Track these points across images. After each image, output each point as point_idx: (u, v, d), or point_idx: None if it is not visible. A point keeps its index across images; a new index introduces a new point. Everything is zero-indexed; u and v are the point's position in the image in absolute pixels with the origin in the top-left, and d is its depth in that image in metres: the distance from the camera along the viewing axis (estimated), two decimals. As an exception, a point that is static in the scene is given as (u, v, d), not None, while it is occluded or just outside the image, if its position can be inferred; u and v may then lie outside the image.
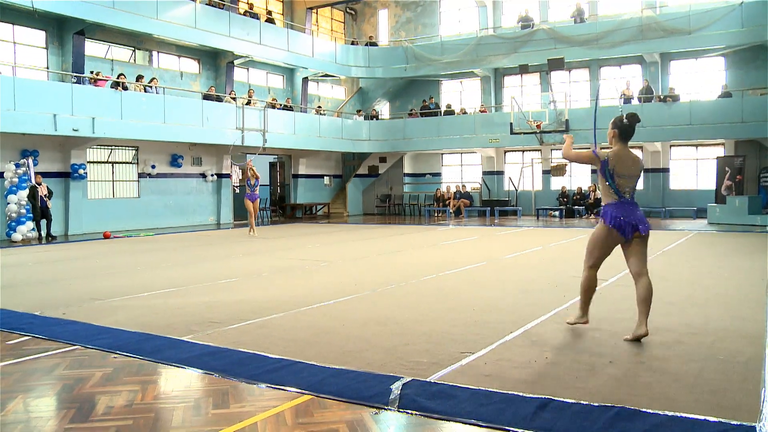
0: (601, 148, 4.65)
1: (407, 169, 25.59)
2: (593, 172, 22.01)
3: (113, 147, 16.93)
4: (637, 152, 21.30)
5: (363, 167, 25.78)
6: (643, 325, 4.44)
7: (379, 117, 26.10)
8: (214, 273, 8.45)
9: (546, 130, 20.36)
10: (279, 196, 24.82)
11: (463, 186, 23.30)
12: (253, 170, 14.44)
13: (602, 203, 4.60)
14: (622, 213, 4.47)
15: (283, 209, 23.91)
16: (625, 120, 4.48)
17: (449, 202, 22.75)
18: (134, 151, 17.53)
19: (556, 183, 22.53)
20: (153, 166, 17.82)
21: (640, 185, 20.79)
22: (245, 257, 10.36)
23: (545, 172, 22.78)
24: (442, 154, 25.28)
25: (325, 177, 25.42)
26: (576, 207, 20.72)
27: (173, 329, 5.09)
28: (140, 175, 17.64)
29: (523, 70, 21.57)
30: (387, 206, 24.83)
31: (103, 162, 16.83)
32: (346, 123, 23.27)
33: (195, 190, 19.45)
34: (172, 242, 13.46)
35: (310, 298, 6.44)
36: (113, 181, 17.05)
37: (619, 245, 4.59)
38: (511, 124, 20.59)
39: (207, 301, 6.31)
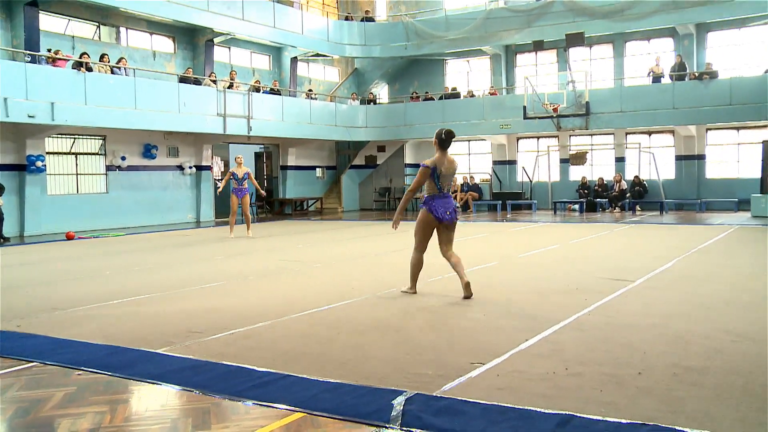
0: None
1: (409, 159, 25.58)
2: (618, 160, 21.99)
3: (76, 136, 16.86)
4: (667, 136, 21.28)
5: (359, 157, 25.77)
6: (465, 283, 6.50)
7: (377, 101, 26.08)
8: (194, 277, 8.42)
9: (564, 114, 20.34)
10: (266, 190, 24.81)
11: (471, 177, 23.30)
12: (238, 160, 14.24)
13: (425, 194, 6.63)
14: (442, 204, 6.61)
15: (271, 205, 23.90)
16: (443, 135, 6.55)
17: (456, 195, 22.73)
18: (101, 141, 17.48)
19: (576, 173, 22.53)
20: (123, 158, 17.78)
21: (671, 174, 20.91)
22: (229, 259, 10.34)
23: (563, 161, 22.78)
24: (448, 141, 25.21)
25: (317, 169, 25.41)
26: (598, 199, 20.71)
27: (147, 341, 5.07)
28: (108, 168, 17.61)
29: (538, 46, 21.53)
30: (386, 200, 24.83)
31: (64, 153, 16.77)
32: (341, 108, 23.24)
33: (171, 185, 19.43)
34: (145, 243, 13.43)
35: (302, 303, 6.41)
36: (77, 174, 17.00)
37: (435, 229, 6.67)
38: (524, 107, 20.56)
39: (186, 309, 6.29)
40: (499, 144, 23.74)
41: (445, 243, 6.72)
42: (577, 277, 7.67)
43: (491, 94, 22.67)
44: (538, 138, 23.30)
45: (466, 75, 25.56)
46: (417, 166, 26.35)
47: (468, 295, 6.50)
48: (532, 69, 23.61)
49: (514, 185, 23.49)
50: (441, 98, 23.50)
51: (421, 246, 6.77)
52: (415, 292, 6.88)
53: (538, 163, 22.86)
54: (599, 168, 22.36)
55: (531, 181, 22.77)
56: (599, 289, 6.88)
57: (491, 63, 24.55)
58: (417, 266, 6.84)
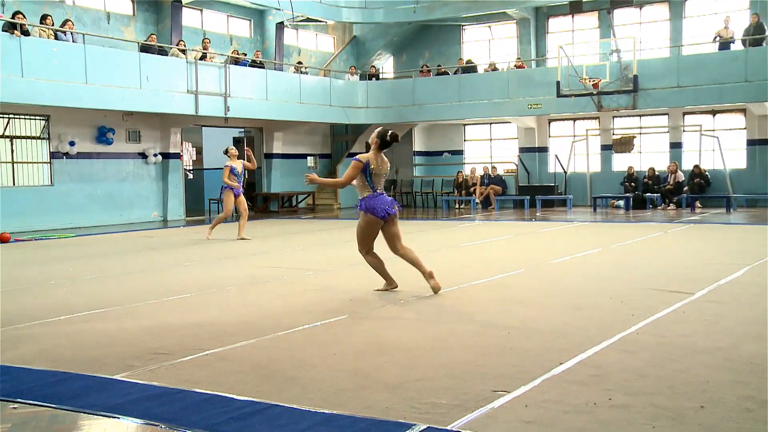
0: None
1: (418, 146, 25.62)
2: (673, 146, 21.95)
3: (11, 116, 16.86)
4: (737, 117, 21.21)
5: (359, 144, 25.75)
6: (428, 274, 7.53)
7: (381, 76, 26.08)
8: (160, 287, 8.44)
9: (606, 91, 20.32)
10: (247, 183, 24.79)
11: (494, 168, 23.31)
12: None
13: (359, 197, 7.56)
14: (379, 203, 7.51)
15: (253, 201, 23.92)
16: (388, 137, 7.62)
17: (474, 190, 22.76)
18: (43, 122, 17.52)
19: (621, 162, 22.52)
20: (71, 143, 17.82)
21: (741, 163, 20.81)
22: (202, 266, 10.36)
23: (605, 148, 22.77)
24: (465, 125, 25.30)
25: (308, 157, 25.44)
26: (648, 194, 20.70)
27: (102, 365, 5.07)
28: (53, 155, 17.66)
29: (576, 9, 21.53)
30: (392, 196, 24.79)
31: (-4, 137, 16.81)
32: (337, 84, 23.27)
33: (132, 176, 19.47)
34: (100, 246, 13.46)
35: (291, 319, 6.42)
36: (13, 162, 17.04)
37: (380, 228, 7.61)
38: (558, 83, 20.55)
39: (150, 326, 6.30)
40: (527, 128, 23.74)
41: (393, 240, 7.65)
42: (623, 289, 7.66)
43: (518, 67, 22.66)
44: (574, 120, 23.30)
45: (488, 44, 25.56)
46: (429, 154, 26.61)
47: (436, 289, 7.47)
48: (568, 36, 23.59)
49: (545, 177, 23.48)
50: (457, 72, 23.49)
51: (369, 248, 7.79)
52: (396, 287, 7.77)
53: (574, 150, 22.84)
54: (649, 156, 22.35)
55: (565, 173, 22.76)
56: (649, 303, 6.87)
57: (518, 29, 24.54)
58: (379, 265, 7.81)
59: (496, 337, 5.61)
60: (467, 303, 7.05)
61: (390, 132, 7.67)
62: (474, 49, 25.58)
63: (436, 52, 25.99)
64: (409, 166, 25.41)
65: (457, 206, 23.22)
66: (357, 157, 7.52)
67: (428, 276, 7.48)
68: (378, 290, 7.77)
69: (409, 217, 20.17)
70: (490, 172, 23.11)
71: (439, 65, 24.38)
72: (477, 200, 22.54)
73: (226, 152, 14.29)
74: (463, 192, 23.10)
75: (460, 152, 25.55)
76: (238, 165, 14.02)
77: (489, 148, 25.08)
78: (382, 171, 7.60)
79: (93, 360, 5.19)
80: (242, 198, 14.21)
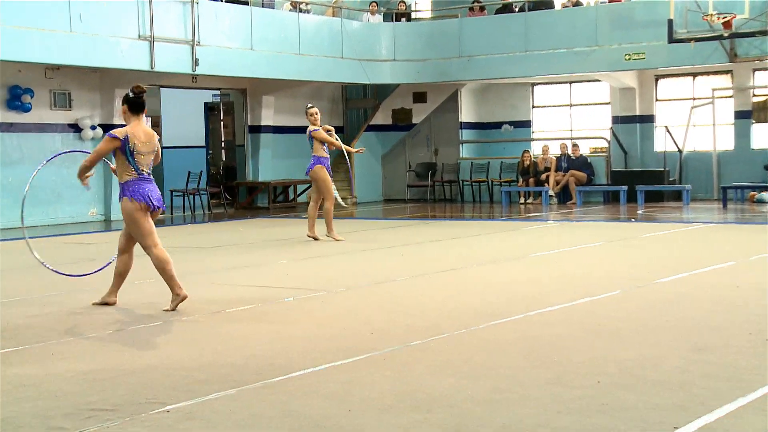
0: None
1: (466, 116, 25.52)
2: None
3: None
4: None
5: (382, 113, 25.74)
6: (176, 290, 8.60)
7: (413, 15, 25.99)
8: (102, 316, 8.47)
9: (743, 32, 20.10)
10: (224, 168, 24.94)
11: (575, 146, 23.20)
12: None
13: (120, 181, 8.54)
14: (151, 189, 8.58)
15: (232, 192, 24.00)
16: (131, 93, 8.39)
17: (548, 177, 22.62)
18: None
19: (764, 136, 22.27)
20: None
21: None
22: (159, 285, 10.39)
23: (741, 115, 22.51)
24: (534, 84, 25.16)
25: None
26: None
27: (18, 428, 5.08)
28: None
29: None
30: (429, 186, 24.80)
31: None
32: (351, 28, 23.29)
33: (60, 157, 19.48)
34: (14, 257, 13.55)
35: (285, 360, 6.41)
36: None
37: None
38: (669, 22, 20.39)
39: (87, 370, 6.30)
40: (624, 88, 23.55)
41: (152, 234, 8.66)
42: (763, 320, 7.56)
43: (611, 0, 22.50)
44: (693, 76, 23.08)
45: (568, -33, 25.43)
46: (482, 127, 26.45)
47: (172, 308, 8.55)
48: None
49: (650, 159, 23.31)
50: (523, 9, 23.35)
51: (152, 238, 8.64)
52: (185, 296, 8.61)
53: (693, 119, 22.63)
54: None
55: (680, 152, 22.57)
56: (804, 339, 6.77)
57: (612, -55, 24.37)
58: (166, 264, 8.60)
59: (581, 388, 5.55)
60: (538, 338, 6.99)
61: (133, 87, 8.55)
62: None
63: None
64: (454, 144, 25.31)
65: (522, 200, 23.11)
66: (112, 131, 8.57)
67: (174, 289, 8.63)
68: (169, 308, 8.56)
69: (454, 216, 20.10)
70: (570, 152, 22.97)
71: (497, -2, 24.30)
72: (551, 192, 22.41)
73: (306, 114, 14.51)
74: (531, 180, 22.98)
75: (526, 124, 25.40)
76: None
77: (569, 118, 24.91)
78: (148, 148, 8.54)
79: (2, 421, 5.18)
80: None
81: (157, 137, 8.75)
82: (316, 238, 14.45)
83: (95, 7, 17.81)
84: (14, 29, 16.46)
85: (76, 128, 19.83)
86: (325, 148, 14.59)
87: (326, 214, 14.69)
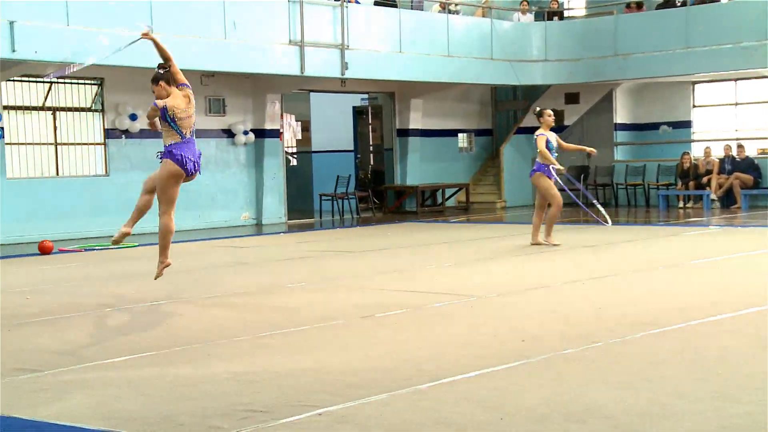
0: None
1: (622, 117, 25.13)
2: None
3: (54, 79, 17.65)
4: None
5: (533, 115, 25.52)
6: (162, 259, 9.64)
7: (565, 14, 25.71)
8: (253, 318, 8.62)
9: None
10: (372, 172, 25.14)
11: (740, 147, 22.58)
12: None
13: (164, 143, 9.30)
14: (190, 152, 9.34)
15: (380, 196, 24.17)
16: (161, 70, 9.54)
17: (709, 181, 22.10)
18: (96, 88, 18.36)
19: None
20: (133, 117, 18.58)
21: None
22: (309, 290, 10.55)
23: None
24: (695, 83, 24.57)
25: (459, 134, 25.44)
26: None
27: (175, 425, 5.17)
28: (109, 134, 18.48)
29: None
30: (582, 189, 24.51)
31: (34, 108, 17.66)
32: (501, 28, 23.19)
33: (214, 162, 20.05)
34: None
35: (436, 365, 6.38)
36: (56, 144, 17.93)
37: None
38: None
39: (241, 372, 6.42)
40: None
41: (168, 202, 9.50)
42: None
43: (783, -11, 21.80)
44: None
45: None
46: (638, 128, 26.00)
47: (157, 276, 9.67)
48: None
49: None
50: (685, 3, 22.82)
51: (170, 207, 9.48)
52: (169, 263, 9.65)
53: None
54: None
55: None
56: None
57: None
58: (169, 233, 9.54)
59: (748, 403, 5.33)
60: (700, 349, 6.78)
61: (158, 65, 9.67)
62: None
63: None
64: (608, 145, 24.91)
65: (681, 205, 22.62)
66: (155, 102, 9.33)
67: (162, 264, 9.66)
68: (158, 273, 9.67)
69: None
70: (734, 154, 22.39)
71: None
72: (713, 196, 21.87)
73: (539, 115, 14.42)
74: (691, 184, 22.48)
75: (686, 125, 24.81)
76: (552, 137, 14.22)
77: (733, 118, 24.22)
78: (187, 114, 9.32)
79: (163, 418, 5.30)
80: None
81: (192, 101, 9.54)
82: (539, 244, 14.13)
83: (248, 15, 18.18)
84: (172, 37, 16.76)
85: (229, 133, 20.26)
86: (550, 153, 14.05)
87: (549, 219, 14.33)
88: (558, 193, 14.09)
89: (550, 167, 13.95)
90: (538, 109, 14.55)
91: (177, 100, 9.30)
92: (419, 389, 5.83)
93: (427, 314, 8.69)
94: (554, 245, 14.02)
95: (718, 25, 21.69)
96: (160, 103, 9.21)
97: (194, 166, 9.38)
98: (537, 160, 14.15)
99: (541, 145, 14.01)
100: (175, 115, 9.22)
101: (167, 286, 10.82)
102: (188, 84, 9.66)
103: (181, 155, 9.24)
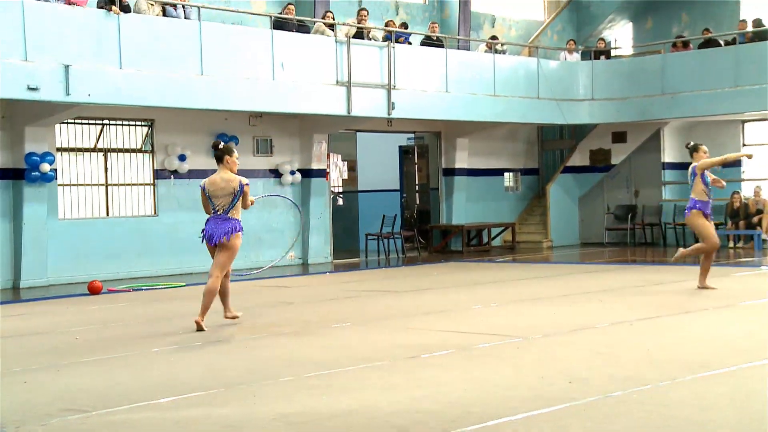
0: None
1: (670, 156, 24.99)
2: None
3: (106, 121, 17.94)
4: None
5: (580, 154, 25.51)
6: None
7: (613, 53, 25.68)
8: (299, 358, 8.66)
9: None
10: (418, 211, 25.17)
11: (794, 189, 22.36)
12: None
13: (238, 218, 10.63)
14: (211, 228, 10.49)
15: (426, 235, 24.18)
16: (212, 147, 10.83)
17: (760, 220, 21.90)
18: (146, 129, 18.58)
19: None
20: (182, 158, 18.77)
21: None
22: (356, 329, 10.58)
23: None
24: (745, 121, 24.41)
25: (505, 173, 25.42)
26: None
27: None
28: (158, 174, 18.67)
29: None
30: (629, 229, 24.36)
31: (86, 150, 17.88)
32: (548, 68, 23.23)
33: (261, 202, 20.13)
34: (218, 301, 13.98)
35: (485, 408, 6.39)
36: (107, 185, 18.15)
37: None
38: None
39: (287, 413, 6.44)
40: None
41: (221, 264, 10.56)
42: None
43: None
44: None
45: (781, -1, 24.61)
46: (685, 167, 25.66)
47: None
48: None
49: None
50: (734, 42, 22.74)
51: (212, 270, 10.59)
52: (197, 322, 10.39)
53: None
54: None
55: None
56: None
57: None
58: (209, 294, 10.55)
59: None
60: (753, 393, 6.69)
61: (215, 143, 10.91)
62: (760, 7, 24.63)
63: (700, 14, 25.28)
64: (656, 185, 24.77)
65: (731, 244, 22.43)
66: (201, 185, 10.77)
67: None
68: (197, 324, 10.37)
69: (656, 261, 19.66)
70: (786, 196, 22.23)
71: (705, 31, 23.67)
72: (764, 236, 21.66)
73: (694, 149, 13.69)
74: (742, 223, 22.30)
75: (736, 163, 24.59)
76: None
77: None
78: (222, 192, 10.46)
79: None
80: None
81: (240, 182, 10.47)
82: (706, 288, 13.31)
83: (296, 55, 18.27)
84: (221, 79, 17.00)
85: (276, 173, 20.37)
86: (706, 188, 13.34)
87: (702, 260, 13.63)
88: (714, 233, 13.42)
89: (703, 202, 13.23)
90: (692, 143, 13.98)
91: (216, 179, 10.54)
92: (465, 431, 5.83)
93: (472, 355, 8.67)
94: (710, 288, 13.30)
95: (766, 64, 21.57)
96: (202, 182, 10.76)
97: (215, 239, 10.41)
98: (692, 197, 13.42)
99: (698, 181, 13.31)
100: (210, 193, 10.51)
101: (208, 326, 10.90)
102: (246, 181, 10.61)
103: (206, 230, 10.55)
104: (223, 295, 10.80)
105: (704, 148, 13.55)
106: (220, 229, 10.42)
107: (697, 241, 13.85)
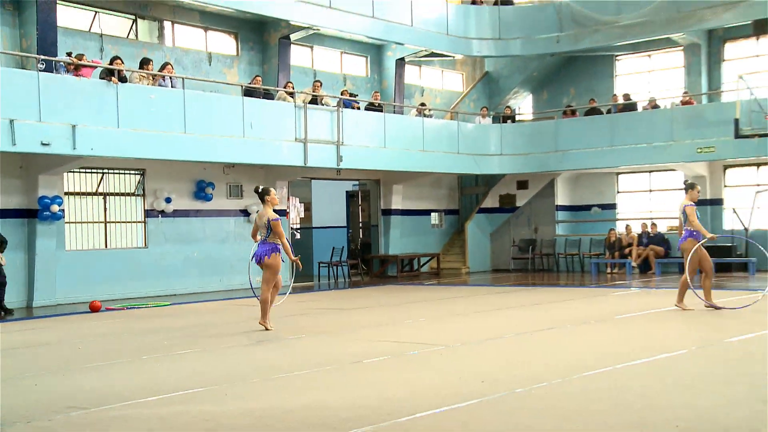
0: None
1: (561, 200, 25.30)
2: None
3: (106, 170, 17.84)
4: None
5: (491, 198, 25.74)
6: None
7: (517, 118, 26.06)
8: (264, 364, 8.63)
9: (798, 130, 19.50)
10: (361, 244, 25.22)
11: (654, 225, 22.72)
12: None
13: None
14: (257, 250, 11.36)
15: (368, 263, 24.21)
16: (256, 192, 11.56)
17: (630, 251, 22.22)
18: (138, 177, 18.45)
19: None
20: (168, 200, 18.66)
21: None
22: (309, 341, 10.54)
23: (798, 200, 21.75)
24: (619, 174, 24.83)
25: (432, 213, 25.56)
26: None
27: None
28: (148, 214, 18.51)
29: (760, 29, 20.88)
30: (529, 258, 24.60)
31: (89, 194, 17.76)
32: (466, 129, 23.45)
33: (233, 236, 20.10)
34: (198, 317, 13.92)
35: (413, 404, 6.41)
36: (106, 222, 17.96)
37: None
38: (736, 121, 19.90)
39: (254, 408, 6.44)
40: (697, 176, 23.00)
41: (264, 280, 11.44)
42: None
43: (684, 103, 22.13)
44: (757, 166, 22.42)
45: (647, 77, 25.14)
46: (575, 209, 26.25)
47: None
48: (751, 63, 22.85)
49: (720, 236, 22.58)
50: (609, 111, 23.20)
51: (265, 284, 11.51)
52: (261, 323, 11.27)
53: (757, 202, 21.94)
54: None
55: (746, 230, 21.86)
56: None
57: (685, 58, 24.05)
58: (263, 302, 11.42)
59: (665, 430, 5.41)
60: (624, 388, 6.82)
61: (256, 187, 11.66)
62: (630, 84, 25.17)
63: (584, 89, 25.76)
64: (551, 223, 25.07)
65: (608, 271, 22.69)
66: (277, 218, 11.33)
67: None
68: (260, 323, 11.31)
69: (551, 284, 19.85)
70: (649, 230, 22.51)
71: (591, 99, 24.09)
72: (633, 263, 21.97)
73: (691, 187, 12.95)
74: (616, 254, 22.58)
75: (612, 206, 25.01)
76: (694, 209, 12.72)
77: (648, 201, 24.44)
78: (259, 222, 11.28)
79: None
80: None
81: (267, 218, 11.12)
82: (684, 309, 12.52)
83: (262, 116, 18.26)
84: (201, 136, 16.93)
85: (245, 213, 20.31)
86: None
87: (706, 283, 12.66)
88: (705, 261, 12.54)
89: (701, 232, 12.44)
90: (689, 182, 13.30)
91: (259, 213, 11.42)
92: (399, 422, 5.88)
93: (404, 360, 8.70)
94: (686, 309, 12.50)
95: (635, 129, 22.09)
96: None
97: (258, 259, 11.26)
98: (686, 227, 12.68)
99: (694, 215, 12.58)
100: (257, 224, 11.42)
101: (189, 337, 10.81)
102: (274, 215, 11.24)
103: (255, 253, 11.39)
104: (264, 302, 11.34)
105: (698, 187, 12.98)
106: (260, 250, 11.20)
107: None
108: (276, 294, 11.65)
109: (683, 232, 12.83)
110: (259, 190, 11.39)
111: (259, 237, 11.38)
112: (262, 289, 11.38)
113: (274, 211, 11.42)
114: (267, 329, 11.17)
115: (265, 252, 11.17)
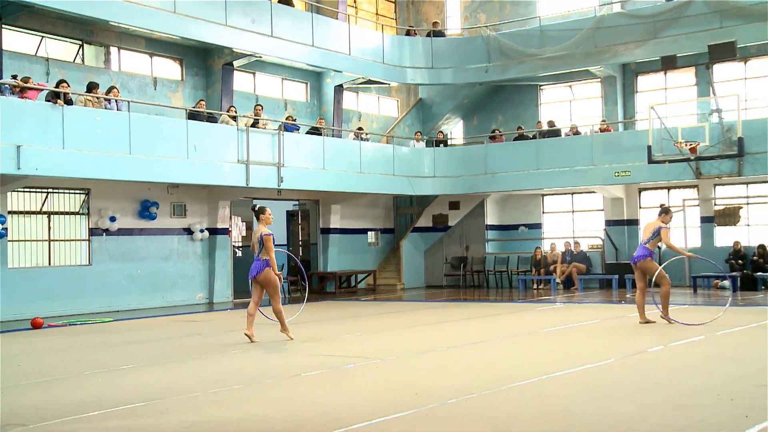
0: None
1: (491, 220, 25.51)
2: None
3: (50, 190, 17.44)
4: None
5: (425, 217, 25.84)
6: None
7: (449, 142, 26.27)
8: (205, 378, 8.49)
9: (706, 156, 20.02)
10: (301, 261, 25.04)
11: (576, 243, 23.04)
12: None
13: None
14: (252, 265, 11.29)
15: (307, 280, 24.05)
16: (252, 210, 11.64)
17: (555, 268, 22.49)
18: (83, 196, 18.07)
19: (725, 236, 21.97)
20: (112, 219, 18.29)
21: None
22: (250, 354, 10.41)
23: (706, 220, 22.28)
24: (544, 195, 25.16)
25: (368, 232, 25.55)
26: (759, 273, 20.09)
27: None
28: (92, 232, 18.12)
29: (669, 64, 21.41)
30: (461, 275, 24.72)
31: (33, 212, 17.33)
32: (400, 152, 23.53)
33: (176, 254, 19.82)
34: (140, 332, 13.64)
35: (348, 415, 6.35)
36: (50, 240, 17.52)
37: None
38: (649, 147, 20.37)
39: (193, 422, 6.31)
40: (614, 198, 23.47)
41: (270, 296, 11.42)
42: (731, 383, 7.35)
43: (602, 130, 22.57)
44: (668, 189, 22.94)
45: (569, 105, 25.57)
46: (503, 228, 26.56)
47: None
48: (660, 95, 23.45)
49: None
50: (534, 137, 23.53)
51: (252, 298, 11.49)
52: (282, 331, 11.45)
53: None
54: (759, 230, 21.78)
55: (659, 248, 22.32)
56: (763, 398, 6.57)
57: (603, 88, 24.54)
58: (275, 313, 11.52)
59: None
60: (549, 397, 6.87)
61: (251, 206, 11.87)
62: (553, 112, 25.58)
63: (511, 116, 26.09)
64: (481, 241, 25.26)
65: (535, 286, 22.91)
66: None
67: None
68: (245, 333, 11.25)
69: (481, 299, 19.97)
70: (572, 249, 22.82)
71: (519, 127, 24.39)
72: (558, 280, 22.22)
73: (666, 212, 12.61)
74: (542, 270, 22.81)
75: (537, 226, 25.32)
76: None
77: (571, 222, 24.79)
78: (253, 239, 11.32)
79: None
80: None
81: (260, 234, 11.16)
82: (648, 322, 12.57)
83: (206, 139, 18.06)
84: (145, 157, 16.68)
85: (189, 231, 20.04)
86: (656, 246, 12.60)
87: (665, 297, 12.62)
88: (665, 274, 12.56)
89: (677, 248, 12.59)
90: (665, 206, 13.02)
91: (254, 230, 11.41)
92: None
93: (341, 373, 8.66)
94: (671, 322, 12.46)
95: (559, 154, 22.42)
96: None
97: (253, 274, 11.24)
98: (645, 246, 12.49)
99: (670, 238, 12.58)
100: (252, 241, 11.46)
101: (131, 353, 10.58)
102: (267, 231, 11.28)
103: (251, 267, 11.37)
104: (278, 313, 11.42)
105: (672, 213, 12.82)
106: (253, 267, 11.27)
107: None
108: (257, 309, 11.54)
109: (640, 250, 12.65)
110: (256, 209, 11.51)
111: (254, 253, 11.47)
112: (273, 302, 11.48)
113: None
114: (290, 338, 11.46)
115: (259, 267, 11.22)
